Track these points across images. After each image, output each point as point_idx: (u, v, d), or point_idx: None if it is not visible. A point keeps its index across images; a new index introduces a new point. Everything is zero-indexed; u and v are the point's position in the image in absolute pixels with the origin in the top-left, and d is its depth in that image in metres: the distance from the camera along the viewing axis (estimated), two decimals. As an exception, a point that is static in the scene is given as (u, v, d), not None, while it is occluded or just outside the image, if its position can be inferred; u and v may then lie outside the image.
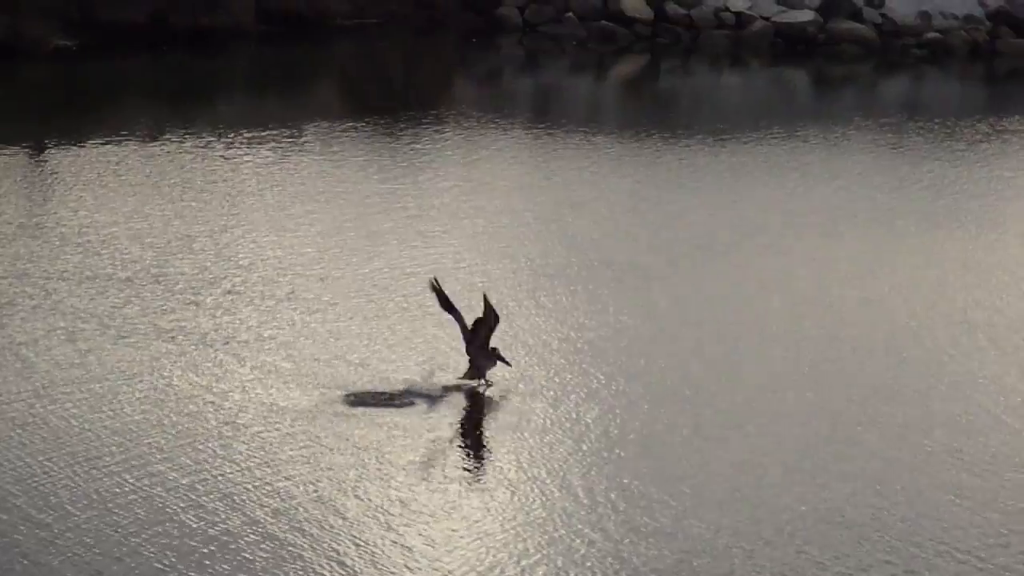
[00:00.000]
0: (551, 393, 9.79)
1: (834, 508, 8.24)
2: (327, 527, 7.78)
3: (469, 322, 9.88)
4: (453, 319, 9.89)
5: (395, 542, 7.67)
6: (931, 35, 28.30)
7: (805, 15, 28.06)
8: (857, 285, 12.63)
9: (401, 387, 9.72)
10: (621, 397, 9.80)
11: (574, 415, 9.45)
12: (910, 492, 8.52)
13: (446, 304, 9.90)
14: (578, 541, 7.78)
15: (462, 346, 9.93)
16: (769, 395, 9.98)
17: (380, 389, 9.67)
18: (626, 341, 10.87)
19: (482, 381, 9.94)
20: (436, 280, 10.05)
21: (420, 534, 7.77)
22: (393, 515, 7.95)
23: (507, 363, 9.96)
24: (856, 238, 14.29)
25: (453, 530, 7.83)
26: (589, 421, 9.37)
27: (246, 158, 16.65)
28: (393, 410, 9.39)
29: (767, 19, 27.99)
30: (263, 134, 17.99)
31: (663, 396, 9.88)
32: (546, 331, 11.06)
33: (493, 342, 9.89)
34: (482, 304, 9.91)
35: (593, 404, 9.65)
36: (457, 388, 9.79)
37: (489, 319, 9.89)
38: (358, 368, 10.02)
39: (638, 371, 10.32)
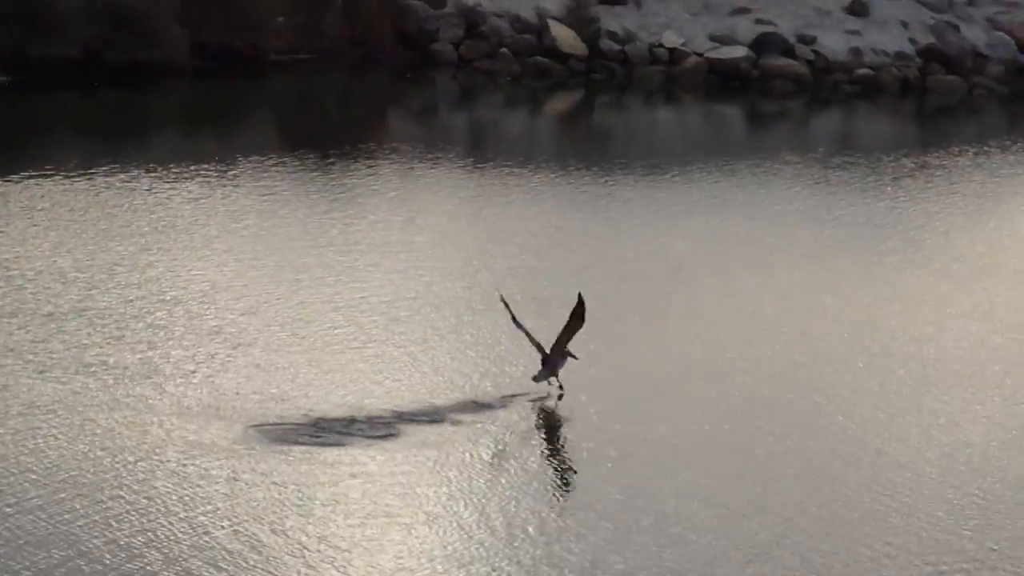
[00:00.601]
0: (472, 429, 9.78)
1: (761, 544, 8.26)
2: (245, 563, 7.74)
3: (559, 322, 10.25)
4: (523, 334, 10.33)
5: (312, 577, 7.65)
6: (862, 71, 28.54)
7: (738, 51, 28.24)
8: (786, 319, 12.68)
9: (322, 420, 9.69)
10: (542, 432, 9.80)
11: (495, 451, 9.44)
12: (833, 524, 8.55)
13: (516, 321, 10.40)
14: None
15: (537, 355, 10.30)
16: (694, 430, 9.99)
17: (302, 422, 9.64)
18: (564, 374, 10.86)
19: (554, 380, 10.27)
20: (504, 298, 10.44)
21: (339, 570, 7.74)
22: (311, 551, 7.91)
23: (575, 357, 10.34)
24: (786, 272, 14.36)
25: (372, 566, 7.81)
26: (511, 457, 9.36)
27: (176, 193, 16.59)
28: (315, 445, 9.35)
29: (700, 55, 28.16)
30: (194, 169, 17.93)
31: (586, 432, 9.88)
32: (470, 365, 11.05)
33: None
34: (576, 304, 10.23)
35: (515, 439, 9.64)
36: (429, 417, 9.75)
37: (581, 320, 10.25)
38: (281, 402, 9.98)
39: (562, 406, 10.32)
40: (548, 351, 10.35)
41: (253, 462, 8.98)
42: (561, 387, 10.31)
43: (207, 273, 13.20)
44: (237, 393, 10.10)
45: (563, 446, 9.61)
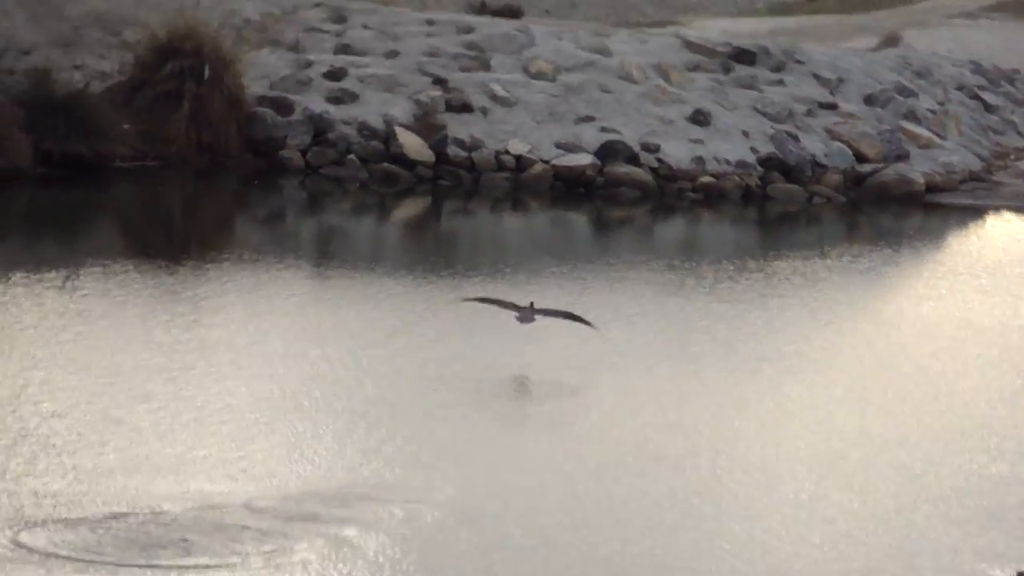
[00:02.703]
0: (322, 533, 9.74)
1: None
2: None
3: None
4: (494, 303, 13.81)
5: None
6: (705, 179, 28.99)
7: (584, 159, 28.56)
8: (629, 425, 12.79)
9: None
10: (409, 526, 9.79)
11: (350, 552, 9.42)
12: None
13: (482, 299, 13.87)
14: None
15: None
16: (530, 550, 10.04)
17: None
18: (397, 485, 10.88)
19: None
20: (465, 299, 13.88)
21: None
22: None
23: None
24: (633, 377, 14.50)
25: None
26: (370, 555, 9.34)
27: (17, 302, 16.38)
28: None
29: (547, 162, 28.44)
30: (37, 277, 17.73)
31: (436, 535, 9.89)
32: (316, 472, 11.02)
33: None
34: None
35: (373, 535, 9.61)
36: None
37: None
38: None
39: (412, 513, 10.32)
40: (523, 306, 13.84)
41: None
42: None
43: (44, 381, 13.02)
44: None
45: (432, 554, 9.60)
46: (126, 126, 26.52)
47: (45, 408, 12.09)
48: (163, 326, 15.64)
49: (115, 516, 9.67)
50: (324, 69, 29.46)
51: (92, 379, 13.26)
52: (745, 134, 30.17)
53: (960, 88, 35.54)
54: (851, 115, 31.53)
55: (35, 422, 11.60)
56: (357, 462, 11.28)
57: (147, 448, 11.21)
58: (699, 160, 29.25)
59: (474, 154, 28.23)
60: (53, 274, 17.98)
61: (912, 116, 32.24)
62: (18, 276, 17.62)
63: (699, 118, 30.12)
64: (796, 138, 30.37)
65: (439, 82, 29.42)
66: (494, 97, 29.42)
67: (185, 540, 9.32)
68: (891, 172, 30.28)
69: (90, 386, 13.02)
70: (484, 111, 29.06)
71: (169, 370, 13.65)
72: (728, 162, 29.44)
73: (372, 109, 28.53)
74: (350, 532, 9.73)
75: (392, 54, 30.34)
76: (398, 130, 28.21)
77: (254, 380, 13.44)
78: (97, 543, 9.16)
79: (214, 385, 13.26)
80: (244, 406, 12.58)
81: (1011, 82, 38.18)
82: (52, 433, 11.33)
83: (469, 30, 31.51)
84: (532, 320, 14.16)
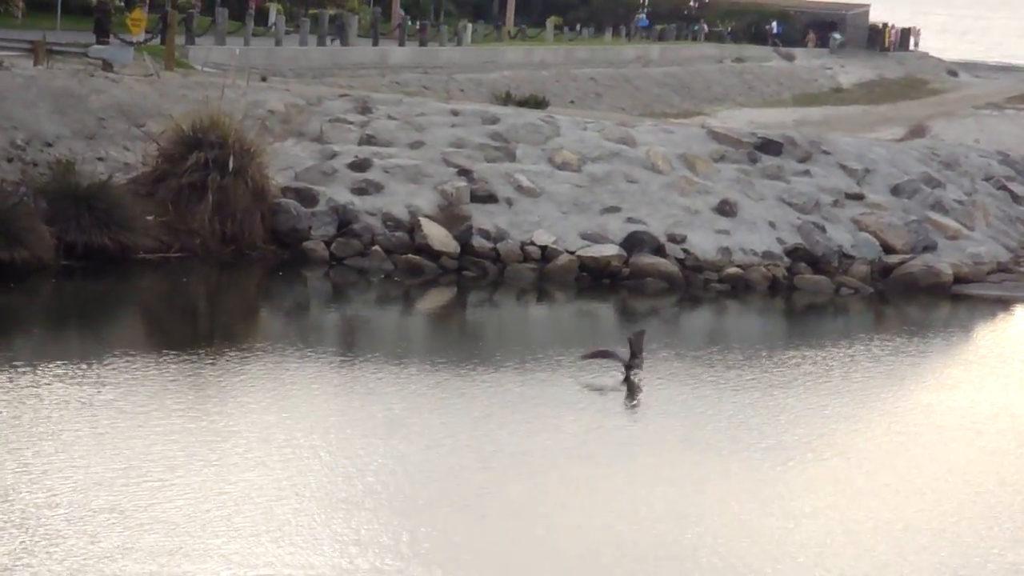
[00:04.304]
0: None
1: None
2: None
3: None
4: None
5: None
6: (732, 270, 28.88)
7: (610, 249, 28.49)
8: (639, 514, 12.62)
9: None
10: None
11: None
12: None
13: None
14: None
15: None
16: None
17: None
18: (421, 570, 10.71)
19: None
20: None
21: None
22: None
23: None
24: (659, 466, 14.35)
25: None
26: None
27: (38, 392, 16.28)
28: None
29: (572, 253, 28.36)
30: (61, 370, 17.65)
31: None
32: (345, 559, 10.86)
33: None
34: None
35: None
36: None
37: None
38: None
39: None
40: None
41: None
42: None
43: (73, 474, 12.91)
44: None
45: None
46: (150, 218, 26.51)
47: (40, 498, 11.99)
48: (181, 416, 15.54)
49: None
50: (349, 160, 29.49)
51: (102, 467, 13.14)
52: (772, 224, 30.07)
53: (988, 179, 35.46)
54: (878, 205, 31.43)
55: (32, 509, 11.51)
56: (355, 554, 11.13)
57: (141, 536, 11.09)
58: (725, 251, 29.13)
59: (499, 245, 28.17)
60: (74, 365, 17.90)
61: (939, 207, 32.12)
62: (40, 367, 17.54)
63: (725, 208, 30.06)
64: (823, 228, 30.26)
65: (464, 173, 29.41)
66: (519, 187, 29.39)
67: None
68: (918, 263, 30.12)
69: (98, 474, 12.90)
70: (509, 202, 29.02)
71: (178, 459, 13.54)
72: (755, 252, 29.32)
73: (397, 200, 28.52)
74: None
75: (417, 144, 30.37)
76: (423, 221, 28.18)
77: (264, 470, 13.30)
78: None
79: (220, 474, 13.14)
80: (247, 496, 12.43)
81: (1038, 172, 38.06)
82: (48, 520, 11.25)
83: (494, 120, 31.56)
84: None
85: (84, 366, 17.91)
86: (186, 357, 19.12)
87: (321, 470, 13.48)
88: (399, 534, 11.64)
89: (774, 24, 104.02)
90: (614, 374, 18.95)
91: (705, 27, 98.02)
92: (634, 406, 17.41)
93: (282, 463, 13.64)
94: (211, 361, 18.90)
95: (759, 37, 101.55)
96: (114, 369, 17.96)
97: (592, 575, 10.94)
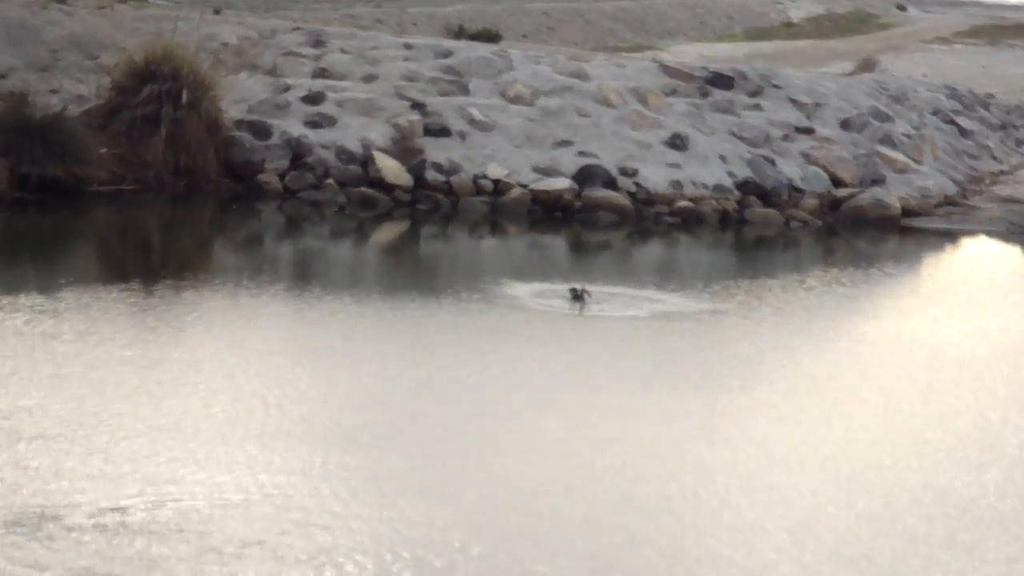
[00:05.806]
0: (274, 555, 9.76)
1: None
2: None
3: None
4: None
5: None
6: (683, 203, 29.14)
7: (562, 183, 28.69)
8: (602, 445, 12.83)
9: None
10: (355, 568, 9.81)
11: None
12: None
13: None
14: None
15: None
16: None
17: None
18: (358, 506, 10.90)
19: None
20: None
21: None
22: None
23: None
24: (587, 395, 14.54)
25: None
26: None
27: (-6, 323, 16.38)
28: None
29: (524, 186, 28.56)
30: (15, 300, 17.72)
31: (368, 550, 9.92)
32: (286, 487, 11.04)
33: None
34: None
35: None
36: None
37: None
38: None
39: (374, 543, 10.35)
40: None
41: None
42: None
43: (22, 404, 13.05)
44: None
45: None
46: (103, 150, 26.56)
47: (5, 424, 12.15)
48: (134, 346, 15.65)
49: (75, 527, 9.72)
50: (302, 93, 29.57)
51: (60, 397, 13.28)
52: (722, 158, 30.34)
53: (936, 113, 35.81)
54: (827, 140, 31.74)
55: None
56: (317, 477, 11.30)
57: (65, 461, 11.30)
58: (677, 184, 29.39)
59: (452, 178, 28.33)
60: (27, 297, 17.96)
61: (888, 141, 32.45)
62: (-6, 299, 17.61)
63: (676, 142, 30.29)
64: (773, 162, 30.56)
65: (417, 106, 29.54)
66: (472, 121, 29.53)
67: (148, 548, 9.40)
68: (867, 196, 30.48)
69: (56, 404, 13.04)
70: (462, 135, 29.16)
71: (107, 387, 13.67)
72: (705, 186, 29.59)
73: (350, 133, 28.63)
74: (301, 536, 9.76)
75: (370, 78, 30.45)
76: (376, 154, 28.31)
77: (195, 399, 13.45)
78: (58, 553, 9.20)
79: (150, 402, 13.28)
80: (198, 424, 12.58)
81: (986, 107, 38.45)
82: (10, 444, 11.42)
83: (447, 54, 31.65)
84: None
85: (35, 297, 17.98)
86: (138, 289, 19.21)
87: (252, 398, 13.63)
88: (327, 460, 11.84)
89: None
90: (560, 305, 19.20)
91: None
92: (575, 338, 17.63)
93: (212, 391, 13.77)
94: (163, 292, 19.00)
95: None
96: (65, 301, 18.04)
97: (549, 501, 11.17)
